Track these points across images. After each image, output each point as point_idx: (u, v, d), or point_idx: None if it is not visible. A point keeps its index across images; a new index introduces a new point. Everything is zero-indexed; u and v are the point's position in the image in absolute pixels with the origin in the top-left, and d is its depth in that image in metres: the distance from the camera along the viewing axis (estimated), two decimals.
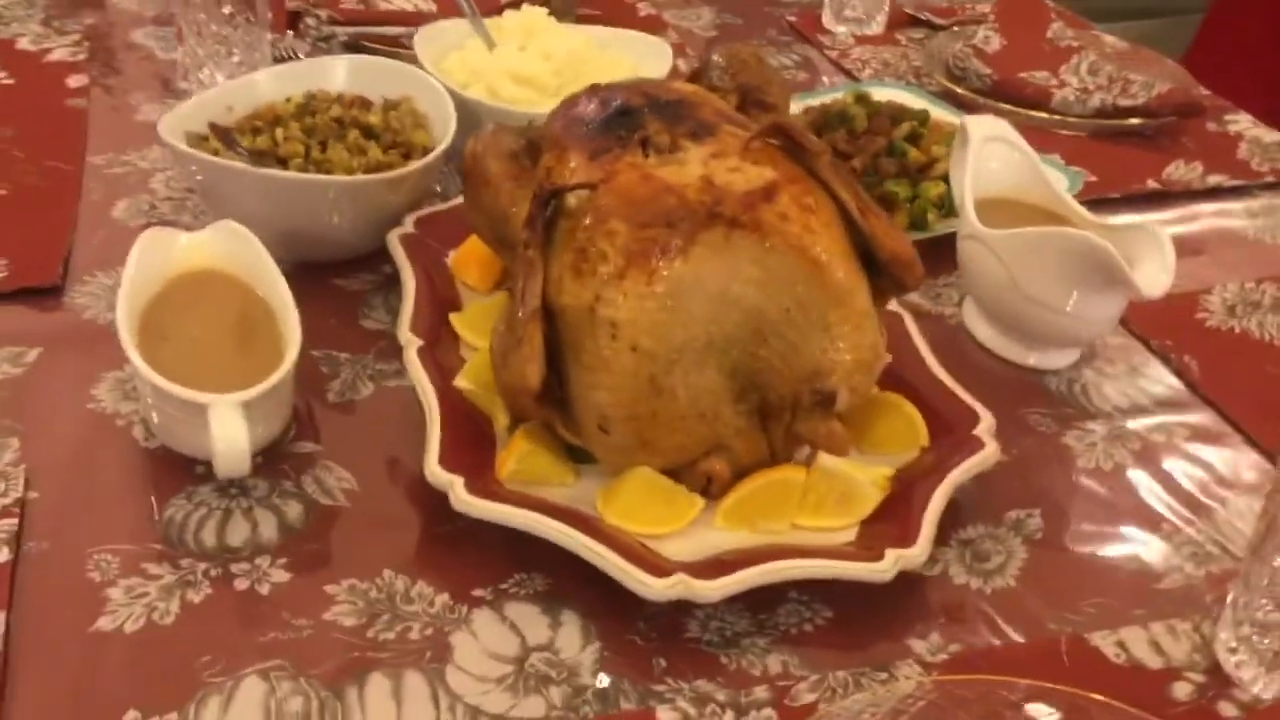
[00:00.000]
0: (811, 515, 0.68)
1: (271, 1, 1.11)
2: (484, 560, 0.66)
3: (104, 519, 0.67)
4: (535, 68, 1.01)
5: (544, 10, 1.11)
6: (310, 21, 1.22)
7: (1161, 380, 0.85)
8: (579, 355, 0.65)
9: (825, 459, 0.68)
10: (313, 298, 0.86)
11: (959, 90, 1.22)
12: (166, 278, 0.75)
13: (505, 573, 0.65)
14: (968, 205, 0.86)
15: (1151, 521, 0.73)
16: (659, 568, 0.62)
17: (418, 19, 1.18)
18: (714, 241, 0.65)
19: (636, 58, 1.08)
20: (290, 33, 1.21)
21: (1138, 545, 0.71)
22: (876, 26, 1.38)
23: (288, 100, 0.94)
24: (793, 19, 1.41)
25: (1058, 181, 1.04)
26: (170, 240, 0.77)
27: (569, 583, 0.64)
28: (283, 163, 0.88)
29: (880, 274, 0.70)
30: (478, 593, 0.64)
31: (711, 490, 0.68)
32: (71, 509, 0.67)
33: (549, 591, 0.65)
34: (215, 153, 0.87)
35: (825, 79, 1.28)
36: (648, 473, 0.67)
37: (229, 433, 0.64)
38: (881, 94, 1.16)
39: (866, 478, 0.68)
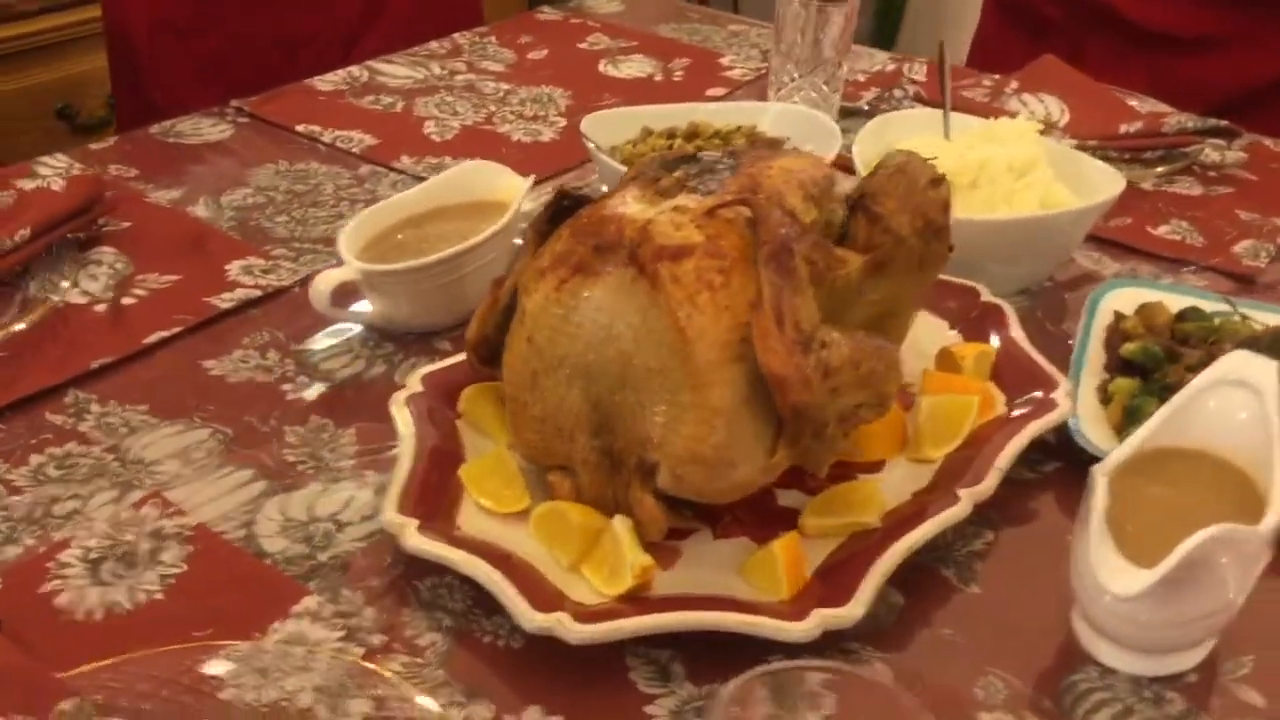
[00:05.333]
0: (592, 569, 0.67)
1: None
2: None
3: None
4: (943, 165, 0.99)
5: (1038, 126, 1.06)
6: (898, 93, 1.30)
7: None
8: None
9: (620, 523, 0.67)
10: None
11: None
12: (470, 196, 0.97)
13: None
14: (1130, 440, 0.68)
15: None
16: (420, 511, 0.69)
17: (984, 110, 1.20)
18: (622, 279, 0.67)
19: (1076, 185, 0.99)
20: (886, 91, 1.31)
21: None
22: None
23: (721, 126, 1.08)
24: None
25: None
26: (494, 174, 0.98)
27: None
28: None
29: None
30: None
31: None
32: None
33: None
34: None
35: None
36: (504, 453, 0.73)
37: (327, 274, 0.86)
38: None
39: (630, 561, 0.65)
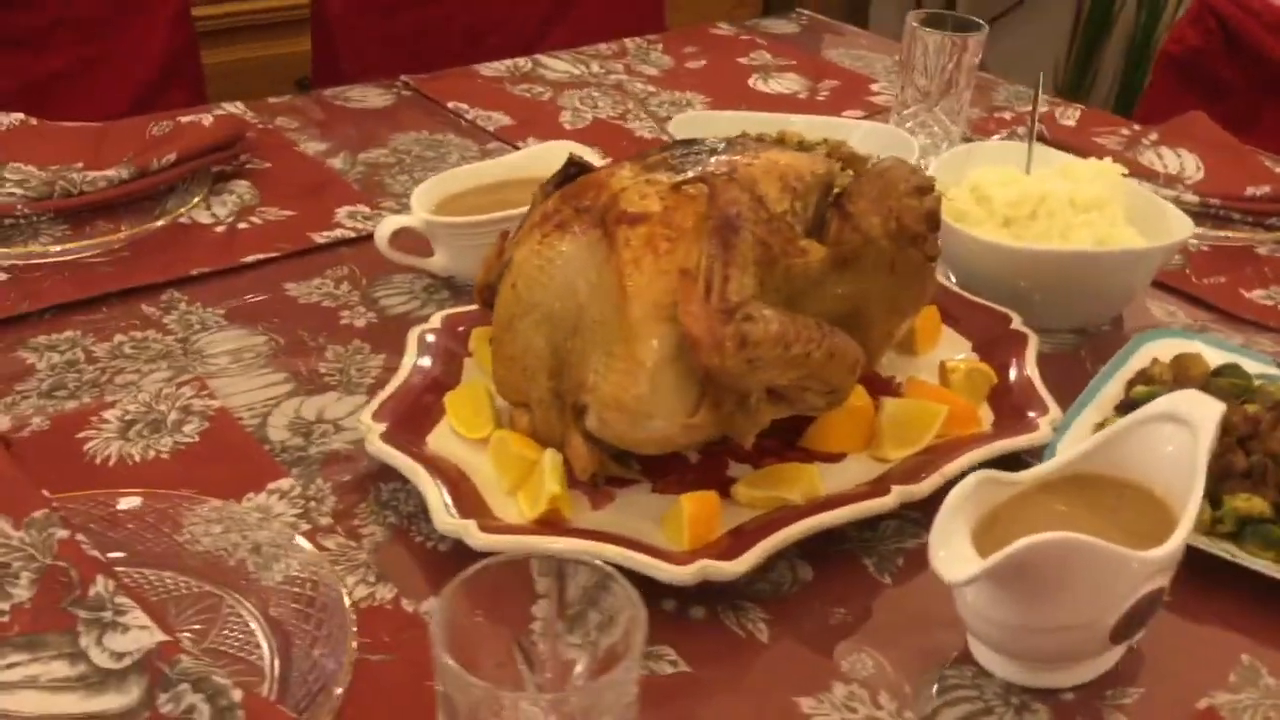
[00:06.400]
0: (524, 494, 0.74)
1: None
2: None
3: None
4: (1003, 194, 1.01)
5: (1120, 169, 1.05)
6: (1021, 130, 1.30)
7: None
8: None
9: (549, 457, 0.73)
10: None
11: None
12: (547, 171, 1.05)
13: None
14: (1054, 460, 0.69)
15: None
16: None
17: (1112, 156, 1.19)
18: (591, 238, 0.74)
19: (1154, 232, 0.99)
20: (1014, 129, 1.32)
21: None
22: None
23: (807, 137, 1.13)
24: None
25: None
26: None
27: None
28: None
29: None
30: None
31: None
32: None
33: None
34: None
35: None
36: (484, 385, 0.80)
37: (391, 219, 0.97)
38: None
39: (547, 489, 0.71)
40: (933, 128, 1.28)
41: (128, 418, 0.82)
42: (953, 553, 0.60)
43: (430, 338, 0.87)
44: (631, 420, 0.71)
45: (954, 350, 0.93)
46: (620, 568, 0.67)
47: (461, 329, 0.88)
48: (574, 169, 0.82)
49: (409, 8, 1.60)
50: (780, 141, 1.13)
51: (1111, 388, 0.89)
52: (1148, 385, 0.88)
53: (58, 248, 1.01)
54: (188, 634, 0.64)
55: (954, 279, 1.03)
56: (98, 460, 0.78)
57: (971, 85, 1.27)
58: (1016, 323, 0.93)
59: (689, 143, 0.80)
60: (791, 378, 0.72)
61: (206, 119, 1.15)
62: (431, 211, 0.99)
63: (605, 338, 0.72)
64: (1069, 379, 0.89)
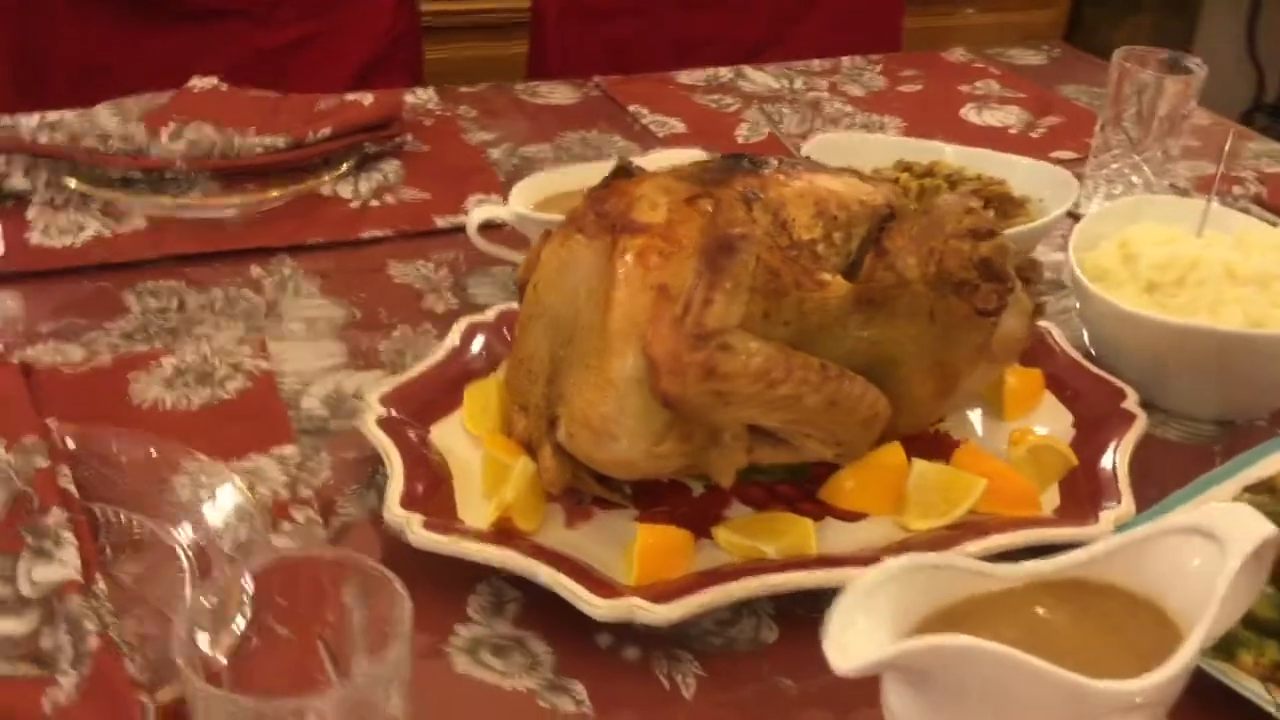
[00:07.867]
0: (495, 500, 0.71)
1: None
2: None
3: None
4: (1152, 255, 0.88)
5: None
6: (1237, 190, 1.14)
7: None
8: None
9: (520, 465, 0.70)
10: None
11: None
12: None
13: None
14: (1061, 559, 0.60)
15: None
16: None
17: None
18: (602, 243, 0.70)
19: None
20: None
21: None
22: None
23: (963, 170, 1.04)
24: None
25: None
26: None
27: None
28: None
29: None
30: None
31: None
32: None
33: None
34: None
35: None
36: (497, 384, 0.78)
37: (482, 208, 0.97)
38: None
39: (502, 498, 0.68)
40: (1130, 176, 1.14)
41: (182, 367, 0.86)
42: (857, 635, 0.53)
43: (480, 331, 0.86)
44: (596, 439, 0.67)
45: (1052, 421, 0.83)
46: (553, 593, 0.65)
47: (506, 328, 0.86)
48: (623, 174, 0.78)
49: (622, 14, 1.59)
50: (928, 172, 1.05)
51: (1223, 491, 0.76)
52: (1265, 495, 0.74)
53: (202, 203, 1.07)
54: (127, 577, 0.66)
55: (1089, 342, 0.91)
56: (134, 402, 0.82)
57: (1183, 133, 1.13)
58: (1129, 401, 0.82)
59: (737, 156, 0.75)
60: (780, 420, 0.66)
61: (368, 99, 1.19)
62: (532, 208, 0.98)
63: (587, 348, 0.68)
64: (1185, 475, 0.77)
